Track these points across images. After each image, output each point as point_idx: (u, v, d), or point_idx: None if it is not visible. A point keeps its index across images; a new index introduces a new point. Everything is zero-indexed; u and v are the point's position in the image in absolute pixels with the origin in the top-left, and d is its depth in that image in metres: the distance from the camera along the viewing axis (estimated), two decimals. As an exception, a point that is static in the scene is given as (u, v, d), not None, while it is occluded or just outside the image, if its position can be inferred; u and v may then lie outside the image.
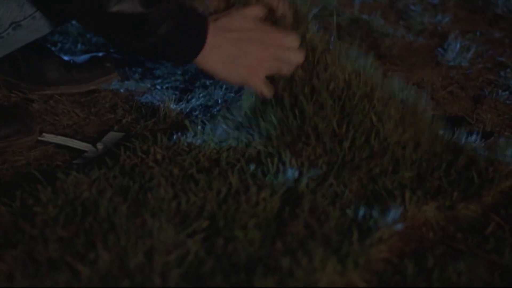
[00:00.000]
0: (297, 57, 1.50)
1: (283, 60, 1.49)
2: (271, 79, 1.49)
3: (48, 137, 1.70)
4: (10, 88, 1.86)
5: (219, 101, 1.81)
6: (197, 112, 1.70)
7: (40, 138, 1.69)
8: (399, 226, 1.30)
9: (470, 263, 1.23)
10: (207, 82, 1.91)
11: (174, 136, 1.52)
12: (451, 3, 2.34)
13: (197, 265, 1.20)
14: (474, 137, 1.56)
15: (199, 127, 1.55)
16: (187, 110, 1.75)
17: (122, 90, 1.87)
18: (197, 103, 1.79)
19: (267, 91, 1.50)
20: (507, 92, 1.86)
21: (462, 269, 1.22)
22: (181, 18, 1.43)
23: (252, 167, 1.41)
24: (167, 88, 1.89)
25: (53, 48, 1.97)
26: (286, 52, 1.49)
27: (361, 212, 1.31)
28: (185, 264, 1.19)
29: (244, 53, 1.47)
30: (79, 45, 2.14)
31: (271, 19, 1.51)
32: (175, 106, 1.75)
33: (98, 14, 1.40)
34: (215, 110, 1.76)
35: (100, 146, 1.65)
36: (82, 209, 1.29)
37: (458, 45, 2.04)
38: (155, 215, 1.28)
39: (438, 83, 1.93)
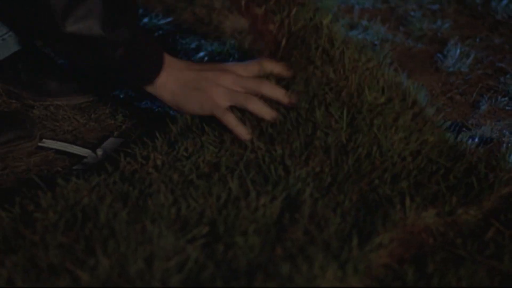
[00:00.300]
0: (259, 86, 1.47)
1: (243, 87, 1.46)
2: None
3: (48, 143, 1.70)
4: (11, 96, 1.86)
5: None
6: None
7: (40, 144, 1.69)
8: (399, 232, 1.30)
9: (470, 269, 1.23)
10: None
11: (174, 141, 1.51)
12: (451, 9, 2.35)
13: (197, 271, 1.20)
14: (473, 143, 1.56)
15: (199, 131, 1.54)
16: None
17: (122, 96, 1.87)
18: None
19: (233, 122, 1.46)
20: (506, 98, 1.86)
21: (462, 274, 1.22)
22: (136, 44, 1.44)
23: (252, 172, 1.40)
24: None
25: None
26: (245, 80, 1.46)
27: (361, 218, 1.31)
28: (185, 270, 1.19)
29: (199, 79, 1.46)
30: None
31: None
32: (174, 112, 1.75)
33: (53, 34, 1.41)
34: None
35: (100, 152, 1.65)
36: (82, 215, 1.29)
37: (458, 51, 2.05)
38: (155, 221, 1.28)
39: (437, 89, 1.93)
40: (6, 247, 1.24)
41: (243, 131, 1.45)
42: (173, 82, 1.46)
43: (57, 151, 1.68)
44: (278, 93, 1.47)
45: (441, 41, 2.16)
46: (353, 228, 1.29)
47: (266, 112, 1.46)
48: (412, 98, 1.51)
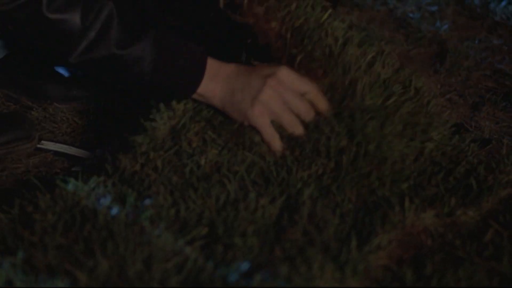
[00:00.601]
0: (298, 108, 1.44)
1: (284, 101, 1.43)
2: None
3: (47, 145, 1.70)
4: (9, 98, 1.86)
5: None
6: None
7: (39, 146, 1.69)
8: (398, 233, 1.30)
9: (469, 270, 1.23)
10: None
11: (177, 132, 1.49)
12: (450, 10, 2.35)
13: (196, 272, 1.20)
14: (472, 144, 1.56)
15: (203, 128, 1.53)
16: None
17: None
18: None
19: (272, 136, 1.44)
20: (505, 100, 1.86)
21: (461, 276, 1.22)
22: (167, 55, 1.43)
23: (253, 173, 1.40)
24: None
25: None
26: (287, 96, 1.44)
27: (360, 219, 1.31)
28: (184, 272, 1.19)
29: (245, 87, 1.44)
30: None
31: None
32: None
33: (69, 60, 1.41)
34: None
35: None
36: (81, 217, 1.29)
37: (457, 52, 2.05)
38: (154, 222, 1.28)
39: (436, 90, 1.93)
40: (5, 248, 1.24)
41: (276, 146, 1.45)
42: (221, 90, 1.45)
43: (56, 153, 1.68)
44: (311, 118, 1.46)
45: (440, 42, 2.16)
46: (352, 230, 1.29)
47: (298, 130, 1.45)
48: (414, 86, 1.50)
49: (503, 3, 2.32)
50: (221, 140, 1.46)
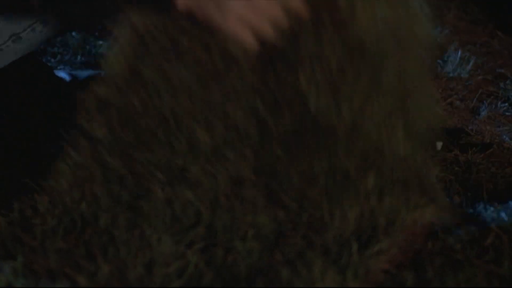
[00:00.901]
0: (272, 12, 1.33)
1: (258, 11, 1.33)
2: None
3: (47, 148, 1.70)
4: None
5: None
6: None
7: (39, 149, 1.70)
8: (398, 237, 1.30)
9: (469, 274, 1.23)
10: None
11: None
12: (451, 15, 2.35)
13: (197, 276, 1.20)
14: (473, 148, 1.57)
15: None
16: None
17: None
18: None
19: (245, 38, 1.34)
20: (506, 104, 1.86)
21: (461, 279, 1.22)
22: None
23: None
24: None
25: (53, 60, 1.97)
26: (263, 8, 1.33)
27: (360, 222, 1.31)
28: (185, 276, 1.19)
29: None
30: (78, 57, 2.15)
31: None
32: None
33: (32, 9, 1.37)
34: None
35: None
36: (81, 221, 1.29)
37: (458, 57, 2.05)
38: (152, 224, 1.27)
39: (437, 94, 1.93)
40: (5, 252, 1.24)
41: (250, 44, 1.35)
42: None
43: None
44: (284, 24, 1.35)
45: (441, 47, 2.16)
46: (352, 233, 1.29)
47: (267, 33, 1.35)
48: None
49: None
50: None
